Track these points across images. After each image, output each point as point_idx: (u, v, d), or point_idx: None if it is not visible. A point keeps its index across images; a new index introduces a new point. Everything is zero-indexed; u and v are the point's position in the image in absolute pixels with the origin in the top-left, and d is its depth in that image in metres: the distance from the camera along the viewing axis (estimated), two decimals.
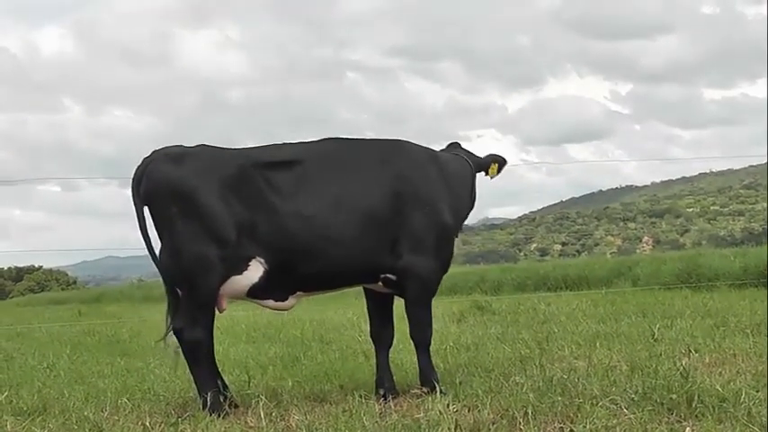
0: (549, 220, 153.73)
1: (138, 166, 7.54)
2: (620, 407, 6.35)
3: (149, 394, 8.56)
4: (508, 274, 26.33)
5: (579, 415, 6.23)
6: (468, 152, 8.65)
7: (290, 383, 8.41)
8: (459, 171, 8.34)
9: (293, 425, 6.61)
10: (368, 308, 8.30)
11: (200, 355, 7.42)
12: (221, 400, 7.34)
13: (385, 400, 7.54)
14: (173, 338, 7.55)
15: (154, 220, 7.52)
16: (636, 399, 6.56)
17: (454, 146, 8.73)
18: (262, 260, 7.41)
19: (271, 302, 7.73)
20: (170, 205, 7.36)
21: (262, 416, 6.90)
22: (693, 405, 6.28)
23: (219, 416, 7.04)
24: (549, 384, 7.30)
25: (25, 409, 7.92)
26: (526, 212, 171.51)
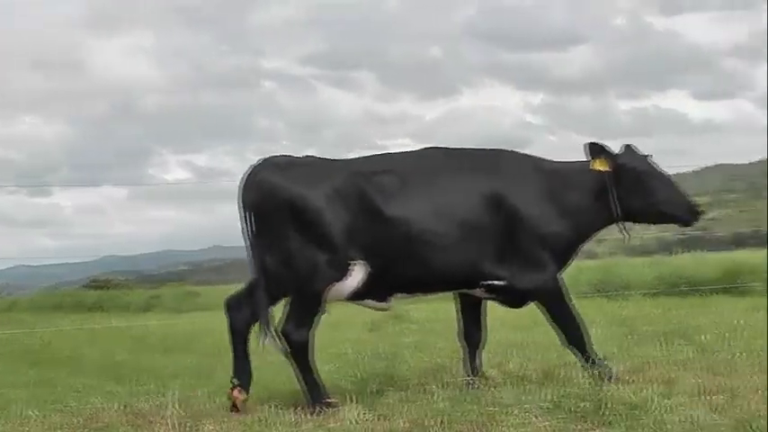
0: None
1: (248, 175, 7.87)
2: (533, 415, 6.42)
3: (60, 405, 8.47)
4: None
5: (492, 423, 6.30)
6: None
7: (205, 393, 8.37)
8: (576, 181, 8.28)
9: None
10: (460, 309, 8.52)
11: (304, 356, 7.68)
12: (323, 391, 7.62)
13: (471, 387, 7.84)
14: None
15: (263, 228, 7.76)
16: (548, 407, 6.64)
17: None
18: (365, 263, 7.66)
19: (371, 302, 8.07)
20: (280, 214, 7.63)
21: (175, 426, 6.88)
22: (604, 413, 6.38)
23: (324, 408, 7.31)
24: (463, 394, 7.36)
25: None
26: None
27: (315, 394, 7.55)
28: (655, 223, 8.76)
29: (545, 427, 6.11)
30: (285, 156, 8.05)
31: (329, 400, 7.46)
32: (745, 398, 6.89)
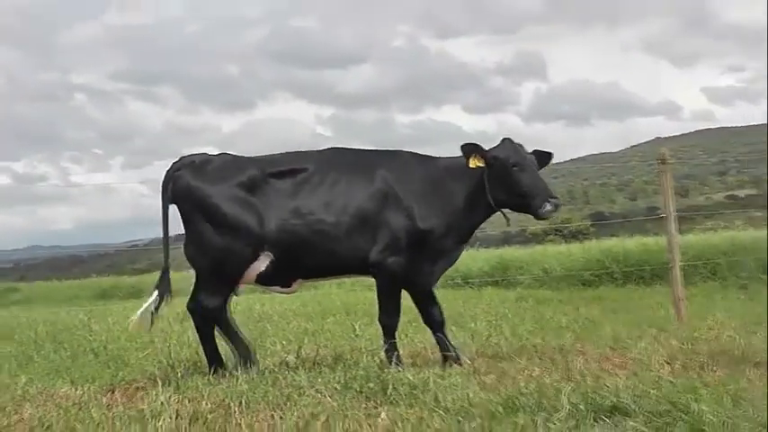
0: None
1: (167, 172, 8.21)
2: (325, 395, 6.47)
3: None
4: None
5: (288, 404, 6.33)
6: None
7: (24, 380, 8.14)
8: (462, 175, 8.24)
9: (26, 418, 6.43)
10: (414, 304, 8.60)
11: (210, 324, 8.15)
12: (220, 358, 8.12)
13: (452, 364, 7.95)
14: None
15: (181, 217, 8.15)
16: (338, 388, 6.70)
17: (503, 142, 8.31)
18: (269, 253, 7.94)
19: (277, 288, 8.34)
20: (193, 206, 8.02)
21: None
22: (388, 393, 6.45)
23: (214, 370, 7.85)
24: (261, 377, 7.38)
25: None
26: None
27: (212, 360, 8.04)
28: (519, 212, 8.36)
29: (336, 406, 6.16)
30: (202, 154, 8.34)
31: (223, 368, 7.91)
32: (511, 377, 7.11)
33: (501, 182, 8.10)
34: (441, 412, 5.84)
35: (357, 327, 11.11)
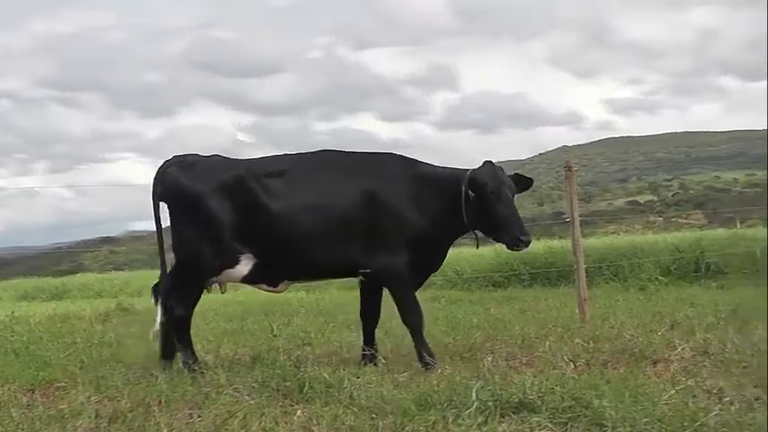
0: None
1: (158, 169, 8.11)
2: (243, 394, 6.43)
3: None
4: (152, 279, 25.92)
5: (207, 402, 6.26)
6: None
7: None
8: (443, 186, 8.03)
9: None
10: (360, 293, 8.52)
11: (183, 328, 7.97)
12: (193, 361, 7.87)
13: (368, 363, 7.94)
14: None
15: (169, 214, 8.09)
16: (256, 386, 6.68)
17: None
18: (251, 255, 7.84)
19: (264, 287, 8.22)
20: (178, 204, 7.97)
21: None
22: (305, 391, 6.44)
23: (191, 370, 7.60)
24: (181, 376, 7.30)
25: None
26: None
27: (188, 361, 7.81)
28: (488, 237, 8.23)
29: (253, 404, 6.11)
30: (193, 155, 8.22)
31: (195, 367, 7.72)
32: (424, 375, 7.12)
33: (476, 206, 7.89)
34: (355, 410, 5.83)
35: (275, 327, 11.04)
